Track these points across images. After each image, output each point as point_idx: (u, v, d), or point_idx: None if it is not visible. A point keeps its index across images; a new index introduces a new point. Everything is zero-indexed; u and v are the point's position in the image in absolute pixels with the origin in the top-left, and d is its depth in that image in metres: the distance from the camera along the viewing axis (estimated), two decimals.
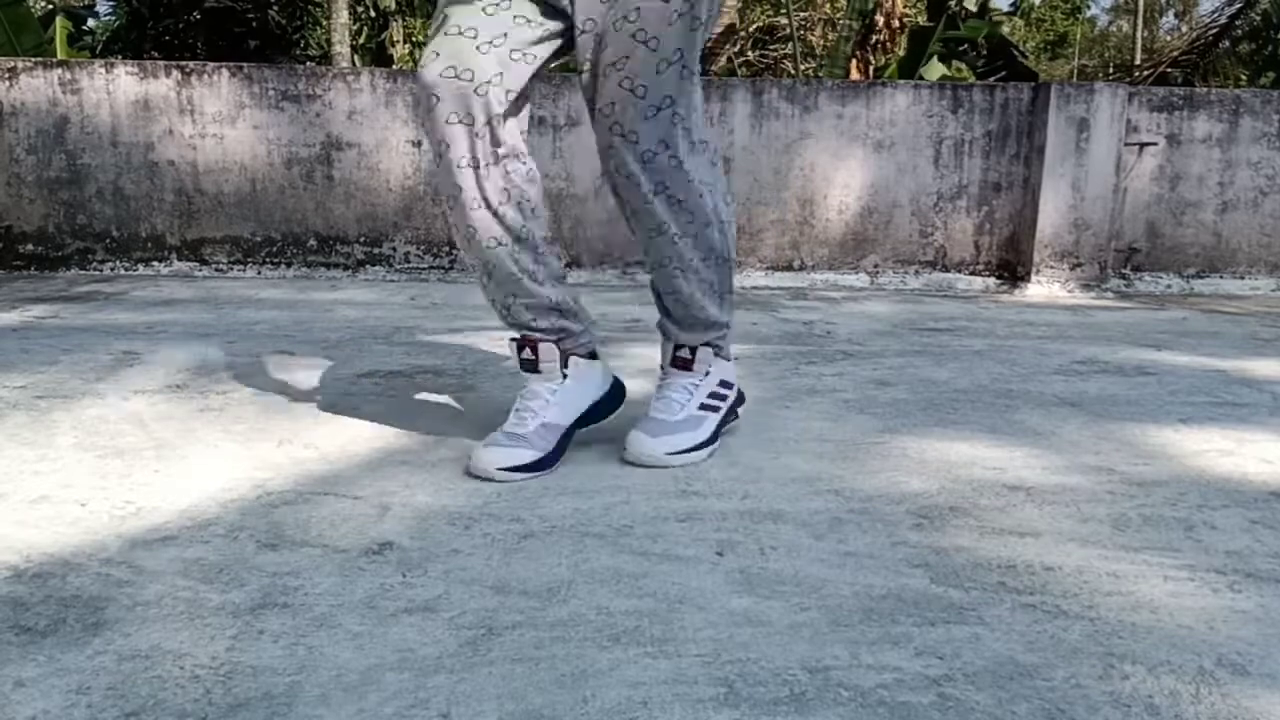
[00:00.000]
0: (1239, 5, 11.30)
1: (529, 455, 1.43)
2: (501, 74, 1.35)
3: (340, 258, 4.14)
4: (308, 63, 10.79)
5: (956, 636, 0.97)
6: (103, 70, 3.99)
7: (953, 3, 8.01)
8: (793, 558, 1.16)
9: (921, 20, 9.15)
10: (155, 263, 4.08)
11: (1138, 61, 20.29)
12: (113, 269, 4.07)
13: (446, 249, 4.08)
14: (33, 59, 4.33)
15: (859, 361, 2.43)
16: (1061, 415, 1.90)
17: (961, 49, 8.29)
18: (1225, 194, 4.27)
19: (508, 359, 1.67)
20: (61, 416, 1.74)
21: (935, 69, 8.26)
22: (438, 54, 1.34)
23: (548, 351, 1.49)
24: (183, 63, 4.08)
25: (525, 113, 1.45)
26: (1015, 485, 1.46)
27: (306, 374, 2.12)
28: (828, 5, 16.47)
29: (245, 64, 4.13)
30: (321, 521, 1.25)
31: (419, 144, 4.06)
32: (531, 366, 1.50)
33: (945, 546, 1.21)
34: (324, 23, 11.83)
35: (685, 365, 1.58)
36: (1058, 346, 2.72)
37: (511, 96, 1.38)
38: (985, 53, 8.23)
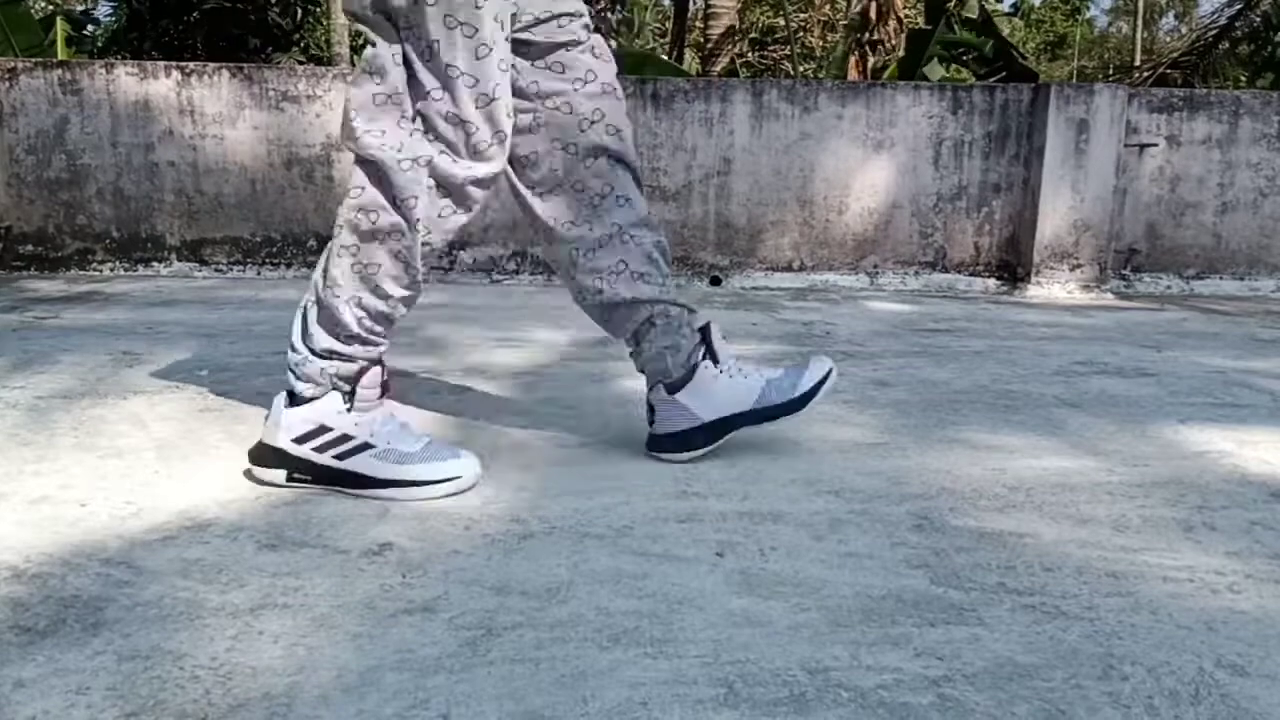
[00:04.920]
0: (1239, 6, 11.30)
1: None
2: None
3: None
4: (308, 63, 10.80)
5: (956, 637, 0.97)
6: (103, 71, 3.99)
7: (951, 5, 8.02)
8: (793, 558, 1.16)
9: (921, 21, 9.16)
10: (155, 263, 4.08)
11: (1137, 63, 20.31)
12: (113, 269, 4.07)
13: (445, 250, 4.08)
14: (33, 59, 4.33)
15: (859, 362, 2.43)
16: (1061, 416, 1.90)
17: (959, 52, 8.29)
18: (1225, 195, 4.27)
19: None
20: (61, 417, 1.73)
21: (935, 71, 8.27)
22: None
23: None
24: (182, 63, 4.08)
25: None
26: (1015, 486, 1.46)
27: None
28: (826, 7, 16.49)
29: (245, 64, 4.13)
30: (321, 522, 1.25)
31: None
32: None
33: (945, 547, 1.21)
34: (324, 23, 11.83)
35: None
36: (1057, 347, 2.72)
37: None
38: (987, 58, 8.23)
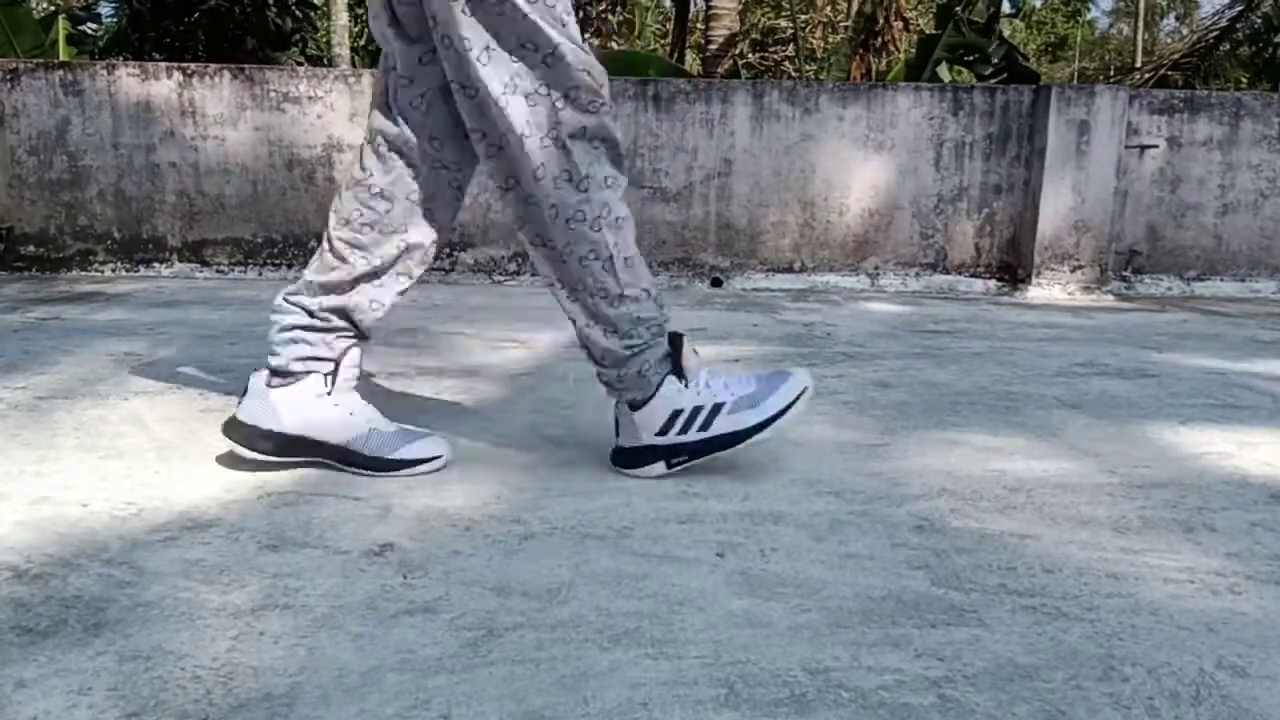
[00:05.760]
0: (1239, 8, 11.30)
1: None
2: None
3: None
4: (307, 64, 10.80)
5: (957, 638, 0.97)
6: (104, 72, 3.99)
7: (960, 9, 8.02)
8: (793, 559, 1.16)
9: (923, 23, 9.16)
10: (157, 264, 4.09)
11: (1138, 64, 20.31)
12: (114, 270, 4.07)
13: (446, 251, 4.08)
14: (35, 60, 4.34)
15: (859, 363, 2.43)
16: (1062, 417, 1.90)
17: (962, 54, 8.29)
18: (1226, 196, 4.27)
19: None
20: (63, 417, 1.74)
21: (943, 74, 8.28)
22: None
23: None
24: (184, 64, 4.08)
25: None
26: (1015, 487, 1.46)
27: None
28: (828, 8, 16.48)
29: (246, 65, 4.13)
30: (322, 523, 1.25)
31: None
32: None
33: (946, 548, 1.21)
34: (324, 24, 11.84)
35: None
36: (1058, 349, 2.72)
37: None
38: (993, 62, 8.23)
